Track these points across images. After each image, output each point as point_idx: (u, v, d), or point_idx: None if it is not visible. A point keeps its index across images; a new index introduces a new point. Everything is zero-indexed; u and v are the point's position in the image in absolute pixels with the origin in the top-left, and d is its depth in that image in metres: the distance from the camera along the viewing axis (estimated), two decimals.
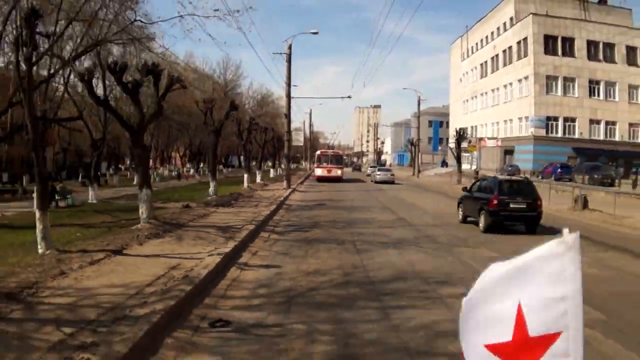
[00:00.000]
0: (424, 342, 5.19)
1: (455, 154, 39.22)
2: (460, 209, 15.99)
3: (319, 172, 41.52)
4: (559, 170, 33.76)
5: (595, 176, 27.97)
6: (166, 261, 8.27)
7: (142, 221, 12.27)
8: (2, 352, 4.33)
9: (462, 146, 42.16)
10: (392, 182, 39.98)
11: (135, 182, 24.66)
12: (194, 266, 7.86)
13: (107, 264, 8.01)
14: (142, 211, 12.33)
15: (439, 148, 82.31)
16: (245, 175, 30.02)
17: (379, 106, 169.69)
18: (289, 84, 29.61)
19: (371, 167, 63.33)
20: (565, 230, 1.35)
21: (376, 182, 40.28)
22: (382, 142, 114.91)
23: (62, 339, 4.62)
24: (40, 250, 8.84)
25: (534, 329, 1.40)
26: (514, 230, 13.84)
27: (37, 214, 8.98)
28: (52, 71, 15.20)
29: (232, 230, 11.93)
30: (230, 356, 4.78)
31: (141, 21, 12.68)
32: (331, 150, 50.83)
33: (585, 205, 18.02)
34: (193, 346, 5.02)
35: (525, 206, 13.52)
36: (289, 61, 28.51)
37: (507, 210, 13.39)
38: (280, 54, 28.42)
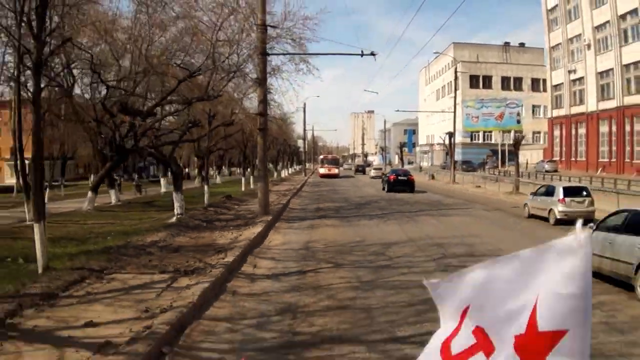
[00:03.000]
0: (351, 197, 30.76)
1: (400, 157, 64.62)
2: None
3: (322, 170, 57.38)
4: None
5: (464, 167, 53.09)
6: (286, 187, 33.97)
7: None
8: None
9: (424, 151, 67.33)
10: (351, 169, 78.48)
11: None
12: (294, 187, 33.56)
13: (276, 186, 33.53)
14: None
15: (413, 150, 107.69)
16: (284, 170, 55.85)
17: (372, 111, 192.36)
18: (304, 122, 55.23)
19: (346, 164, 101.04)
20: (578, 227, 1.36)
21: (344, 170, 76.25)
22: (376, 145, 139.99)
23: (278, 192, 30.10)
24: (251, 186, 34.05)
25: (543, 324, 1.39)
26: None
27: (240, 178, 34.43)
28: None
29: (296, 185, 37.33)
30: (308, 196, 30.22)
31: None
32: (330, 155, 75.83)
33: (432, 177, 43.40)
34: (298, 197, 30.54)
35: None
36: (304, 111, 53.87)
37: None
38: (299, 108, 53.69)
